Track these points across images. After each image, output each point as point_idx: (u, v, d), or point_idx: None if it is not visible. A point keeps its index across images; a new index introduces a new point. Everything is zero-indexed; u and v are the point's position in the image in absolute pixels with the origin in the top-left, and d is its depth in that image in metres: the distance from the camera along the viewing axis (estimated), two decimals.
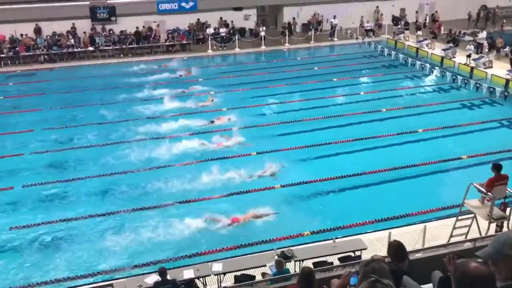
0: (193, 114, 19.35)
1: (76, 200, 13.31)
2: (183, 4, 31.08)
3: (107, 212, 12.55)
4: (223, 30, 30.90)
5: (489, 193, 9.96)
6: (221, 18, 31.55)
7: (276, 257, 9.12)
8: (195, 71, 25.40)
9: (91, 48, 28.33)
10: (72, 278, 10.23)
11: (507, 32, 32.85)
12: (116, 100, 21.17)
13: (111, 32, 29.54)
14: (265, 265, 9.27)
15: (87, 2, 29.27)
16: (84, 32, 28.85)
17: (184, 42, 29.83)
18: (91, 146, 16.66)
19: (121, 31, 29.39)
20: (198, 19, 31.42)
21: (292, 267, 9.42)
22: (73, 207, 12.90)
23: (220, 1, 31.37)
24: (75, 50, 28.21)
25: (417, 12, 34.14)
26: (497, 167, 10.16)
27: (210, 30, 30.69)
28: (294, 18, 32.56)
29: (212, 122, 18.42)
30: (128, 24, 29.55)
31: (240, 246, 10.98)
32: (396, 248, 5.29)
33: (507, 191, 10.16)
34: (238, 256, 10.11)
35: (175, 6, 30.88)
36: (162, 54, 29.17)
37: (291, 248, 9.82)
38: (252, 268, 9.38)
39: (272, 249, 9.77)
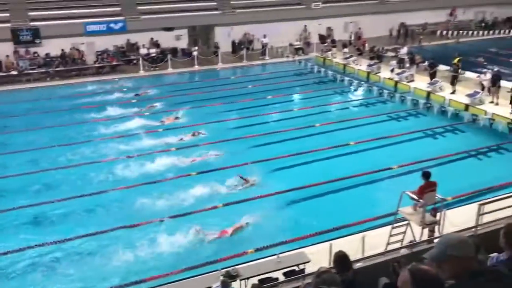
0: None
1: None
2: (112, 25, 30.53)
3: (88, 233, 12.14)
4: (153, 51, 30.59)
5: (420, 200, 10.49)
6: (151, 38, 31.26)
7: (222, 278, 9.01)
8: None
9: (14, 72, 26.95)
10: None
11: (424, 48, 35.21)
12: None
13: (36, 55, 28.31)
14: (210, 287, 9.13)
15: (8, 24, 27.92)
16: (7, 56, 27.43)
17: (114, 63, 29.19)
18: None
19: (46, 54, 28.25)
20: (128, 40, 30.94)
21: (237, 286, 9.35)
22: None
23: (150, 22, 31.14)
24: None
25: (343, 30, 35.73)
26: (426, 175, 10.73)
27: (143, 51, 30.29)
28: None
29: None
30: (54, 46, 28.48)
31: (185, 269, 10.74)
32: (341, 259, 5.42)
33: (437, 197, 10.75)
34: (182, 279, 9.89)
35: (103, 27, 30.25)
36: (91, 76, 28.33)
37: (236, 267, 9.76)
38: None
39: (217, 270, 9.65)
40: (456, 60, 24.44)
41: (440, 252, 2.92)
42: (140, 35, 30.93)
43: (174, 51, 31.67)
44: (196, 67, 30.26)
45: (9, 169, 16.20)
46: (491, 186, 14.32)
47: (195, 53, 30.55)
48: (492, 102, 20.73)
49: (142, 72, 29.08)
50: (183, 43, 32.57)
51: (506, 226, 4.32)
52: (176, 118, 20.92)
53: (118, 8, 31.12)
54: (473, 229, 8.81)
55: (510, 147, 17.61)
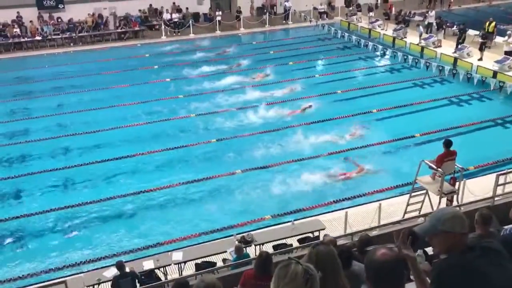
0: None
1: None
2: None
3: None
4: (176, 16, 30.35)
5: (439, 169, 10.33)
6: (174, 3, 30.95)
7: (236, 243, 9.18)
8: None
9: (39, 38, 27.22)
10: None
11: (454, 12, 33.92)
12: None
13: (59, 20, 28.46)
14: (225, 251, 9.32)
15: None
16: (31, 21, 27.66)
17: (137, 29, 29.13)
18: None
19: (69, 20, 28.35)
20: (151, 5, 30.72)
21: (252, 251, 9.51)
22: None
23: None
24: (22, 40, 27.02)
25: None
26: (447, 143, 10.52)
27: (166, 16, 30.08)
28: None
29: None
30: (77, 12, 28.52)
31: (201, 234, 10.98)
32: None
33: (456, 166, 10.57)
34: (199, 243, 10.12)
35: None
36: (114, 42, 28.38)
37: (251, 232, 9.90)
38: (212, 255, 9.41)
39: (232, 235, 9.83)
40: (489, 26, 23.49)
41: (432, 226, 2.88)
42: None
43: (196, 16, 31.34)
44: (218, 33, 29.94)
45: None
46: None
47: (218, 18, 30.16)
48: None
49: (164, 38, 28.95)
50: (205, 8, 32.15)
51: None
52: (266, 75, 22.02)
53: None
54: (489, 200, 8.65)
55: None
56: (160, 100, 19.11)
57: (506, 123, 16.66)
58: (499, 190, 9.85)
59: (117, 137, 16.04)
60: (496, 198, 8.79)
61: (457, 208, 2.72)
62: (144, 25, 29.90)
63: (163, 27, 29.10)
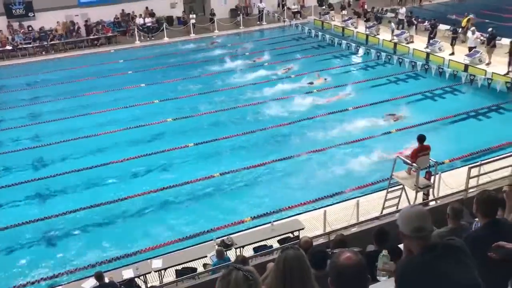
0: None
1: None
2: None
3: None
4: (149, 20, 30.14)
5: (414, 164, 10.48)
6: (146, 8, 30.73)
7: (217, 247, 9.16)
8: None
9: (9, 48, 26.70)
10: None
11: (425, 7, 34.49)
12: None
13: (30, 29, 27.98)
14: (205, 256, 9.29)
15: None
16: (0, 31, 27.12)
17: (110, 34, 28.83)
18: None
19: (40, 28, 27.89)
20: (123, 10, 30.45)
21: (233, 254, 9.50)
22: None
23: None
24: None
25: None
26: (420, 138, 10.68)
27: (138, 20, 29.83)
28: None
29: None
30: (47, 20, 28.07)
31: (181, 239, 10.92)
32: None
33: (430, 161, 10.74)
34: (178, 249, 10.07)
35: None
36: (87, 48, 28.02)
37: (231, 236, 9.90)
38: (193, 260, 9.37)
39: (212, 239, 9.80)
40: (465, 20, 23.92)
41: (399, 227, 2.92)
42: (134, 4, 30.40)
43: (169, 19, 31.18)
44: (193, 36, 29.83)
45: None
46: (490, 147, 14.28)
47: (192, 21, 30.05)
48: (488, 63, 20.37)
49: (138, 43, 28.72)
50: (178, 11, 32.01)
51: (479, 193, 4.30)
52: (289, 68, 22.94)
53: None
54: (463, 193, 8.81)
55: (509, 106, 17.46)
56: (136, 106, 18.95)
57: (478, 115, 17.00)
58: (473, 182, 10.05)
59: (93, 145, 15.85)
60: (469, 190, 8.93)
61: (420, 206, 2.73)
62: (117, 30, 29.61)
63: (136, 32, 28.86)
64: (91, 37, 28.43)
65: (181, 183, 13.21)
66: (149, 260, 9.38)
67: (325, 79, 20.86)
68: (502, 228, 4.12)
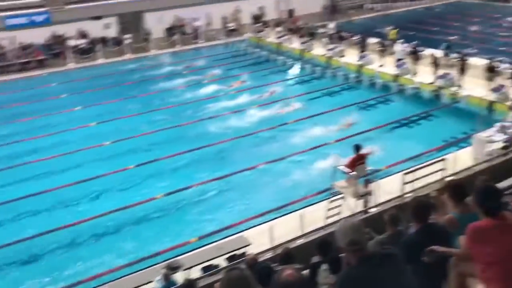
0: None
1: None
2: (34, 17, 28.95)
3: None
4: (82, 41, 29.37)
5: (352, 173, 10.84)
6: (79, 29, 29.96)
7: (163, 271, 8.96)
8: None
9: None
10: None
11: (354, 22, 36.00)
12: None
13: None
14: (151, 281, 9.06)
15: None
16: None
17: (41, 58, 27.80)
18: None
19: None
20: (54, 32, 29.51)
21: (180, 277, 9.34)
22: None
23: (76, 12, 29.80)
24: None
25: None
26: (357, 148, 11.10)
27: (71, 42, 28.98)
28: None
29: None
30: None
31: (124, 265, 10.61)
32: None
33: (367, 169, 11.16)
34: (123, 276, 9.77)
35: (26, 20, 28.65)
36: (16, 73, 26.81)
37: (177, 258, 9.72)
38: (138, 286, 9.11)
39: (158, 263, 9.59)
40: (392, 33, 25.22)
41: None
42: (66, 26, 29.54)
43: (103, 40, 30.56)
44: (127, 56, 29.37)
45: None
46: (422, 152, 15.00)
47: (128, 41, 29.61)
48: (414, 73, 21.52)
49: (71, 65, 27.88)
50: (112, 32, 31.45)
51: (411, 200, 4.54)
52: (242, 81, 23.34)
53: None
54: (399, 198, 9.20)
55: (437, 113, 18.50)
56: (72, 130, 18.35)
57: (409, 123, 17.85)
58: (409, 187, 10.52)
59: (26, 173, 15.13)
60: (405, 196, 9.35)
61: (354, 219, 2.83)
62: (48, 53, 28.61)
63: (69, 54, 28.01)
64: (21, 61, 27.27)
65: (122, 207, 12.87)
66: None
67: (272, 92, 21.44)
68: (434, 231, 4.37)
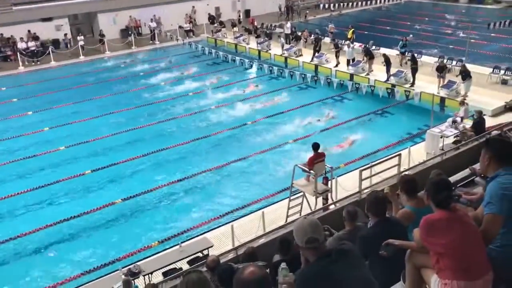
0: None
1: None
2: None
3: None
4: (32, 44, 28.37)
5: (311, 171, 10.98)
6: (29, 31, 28.93)
7: (123, 277, 8.78)
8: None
9: None
10: None
11: (310, 22, 36.47)
12: None
13: None
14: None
15: None
16: None
17: None
18: None
19: None
20: (1, 34, 28.38)
21: (141, 283, 9.19)
22: None
23: (25, 13, 28.74)
24: None
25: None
26: (315, 147, 11.24)
27: (21, 45, 27.91)
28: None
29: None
30: None
31: (84, 273, 10.33)
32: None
33: (326, 167, 11.33)
34: (80, 285, 9.51)
35: None
36: None
37: (138, 263, 9.55)
38: None
39: (118, 269, 9.38)
40: (350, 32, 25.68)
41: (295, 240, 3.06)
42: (14, 28, 28.43)
43: (56, 42, 29.63)
44: (82, 58, 28.60)
45: None
46: (378, 148, 15.37)
47: (81, 43, 28.82)
48: (367, 73, 22.02)
49: (22, 68, 26.89)
50: (64, 34, 30.54)
51: (368, 195, 4.64)
52: (219, 77, 24.12)
53: None
54: (357, 195, 9.38)
55: (391, 110, 19.01)
56: (24, 136, 17.70)
57: (366, 121, 18.24)
58: (367, 183, 10.73)
59: None
60: (363, 192, 9.52)
61: (311, 217, 2.84)
62: None
63: (19, 57, 26.99)
64: None
65: (79, 214, 12.51)
66: None
67: (244, 91, 21.81)
68: (391, 225, 4.48)
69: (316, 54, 24.84)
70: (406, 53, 22.63)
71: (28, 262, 10.95)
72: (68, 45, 29.55)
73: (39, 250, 11.38)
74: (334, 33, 28.36)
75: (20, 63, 27.00)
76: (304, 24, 34.14)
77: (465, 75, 18.19)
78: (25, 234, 11.80)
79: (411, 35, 24.84)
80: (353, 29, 26.49)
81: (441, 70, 19.19)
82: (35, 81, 24.83)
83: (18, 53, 27.15)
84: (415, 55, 21.52)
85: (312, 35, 27.54)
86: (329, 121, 17.92)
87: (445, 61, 21.34)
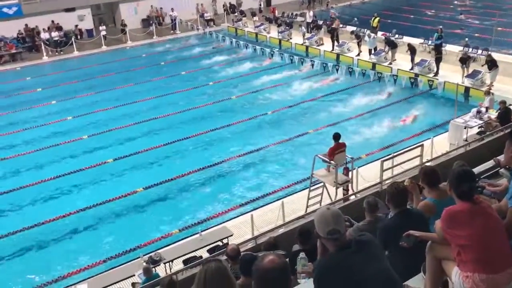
0: None
1: None
2: (5, 9, 28.19)
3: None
4: (56, 34, 28.77)
5: (332, 162, 10.91)
6: (52, 21, 29.34)
7: (144, 264, 8.91)
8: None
9: None
10: None
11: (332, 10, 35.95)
12: None
13: None
14: (133, 275, 9.01)
15: None
16: None
17: (14, 51, 27.15)
18: None
19: None
20: (26, 25, 28.83)
21: (162, 270, 9.31)
22: None
23: (48, 3, 29.12)
24: None
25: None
26: (335, 137, 11.14)
27: (44, 35, 28.34)
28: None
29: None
30: None
31: (106, 260, 10.51)
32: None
33: (347, 157, 11.24)
34: (104, 271, 9.68)
35: None
36: None
37: (159, 251, 9.68)
38: (120, 281, 9.04)
39: (139, 256, 9.53)
40: (375, 21, 25.27)
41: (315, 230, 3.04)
42: (39, 18, 28.86)
43: (78, 32, 29.98)
44: (104, 48, 28.89)
45: None
46: (401, 139, 15.17)
47: (103, 33, 29.10)
48: (390, 63, 21.64)
49: (46, 58, 27.32)
50: (87, 24, 30.89)
51: (389, 186, 4.58)
52: (270, 58, 25.07)
53: None
54: (378, 185, 9.28)
55: (413, 100, 18.70)
56: (48, 125, 18.03)
57: (388, 111, 17.97)
58: (388, 174, 10.63)
59: (6, 168, 14.94)
60: (384, 183, 9.43)
61: (334, 208, 2.81)
62: (21, 47, 27.96)
63: (43, 47, 27.42)
64: None
65: (102, 201, 12.71)
66: (73, 286, 8.93)
67: None
68: (411, 216, 4.42)
69: (339, 43, 24.55)
70: (442, 44, 21.79)
71: (50, 249, 11.19)
72: (78, 37, 29.69)
73: (62, 237, 11.60)
74: (335, 18, 27.49)
75: (44, 53, 27.41)
76: (326, 13, 33.70)
77: (491, 64, 17.73)
78: (48, 221, 12.05)
79: (440, 26, 24.24)
80: (378, 18, 25.83)
81: (464, 61, 18.73)
82: (59, 70, 25.19)
83: (42, 43, 27.57)
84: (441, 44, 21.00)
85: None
86: (350, 111, 17.74)
87: (469, 50, 20.85)
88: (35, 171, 14.70)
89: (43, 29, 28.72)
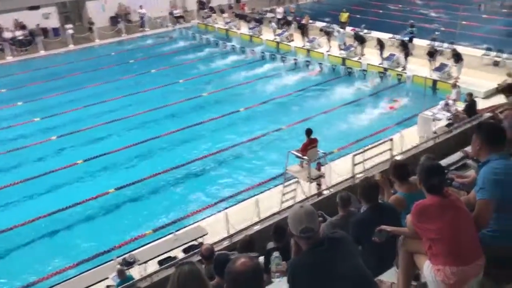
0: None
1: None
2: None
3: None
4: (20, 33, 27.93)
5: (304, 157, 10.97)
6: (16, 20, 28.46)
7: (118, 266, 8.79)
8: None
9: None
10: None
11: (302, 6, 36.18)
12: None
13: None
14: (107, 278, 8.87)
15: None
16: None
17: None
18: None
19: None
20: None
21: (137, 272, 9.19)
22: None
23: (11, 1, 28.20)
24: None
25: None
26: (308, 132, 11.21)
27: (7, 34, 27.47)
28: None
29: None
30: None
31: (77, 263, 10.31)
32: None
33: (319, 152, 11.32)
34: (76, 275, 9.50)
35: None
36: None
37: (133, 252, 9.55)
38: (94, 284, 8.88)
39: (112, 259, 9.38)
40: (344, 17, 25.45)
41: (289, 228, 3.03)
42: (1, 17, 27.91)
43: (44, 31, 29.19)
44: (72, 47, 28.24)
45: None
46: (372, 133, 15.36)
47: (70, 31, 28.41)
48: (359, 58, 21.89)
49: (10, 58, 26.53)
50: (53, 22, 30.09)
51: (361, 180, 4.63)
52: (252, 51, 24.84)
53: None
54: (350, 180, 9.38)
55: (382, 94, 18.96)
56: (13, 127, 17.53)
57: (359, 105, 18.19)
58: (360, 168, 10.75)
59: None
60: (356, 177, 9.54)
61: (307, 206, 2.80)
62: None
63: (7, 47, 26.57)
64: None
65: (73, 204, 12.45)
66: None
67: None
68: (383, 211, 4.48)
69: (309, 38, 24.69)
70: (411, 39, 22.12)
71: (17, 256, 10.91)
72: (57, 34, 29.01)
73: (30, 242, 11.33)
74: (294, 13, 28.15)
75: (8, 53, 26.61)
76: (296, 8, 33.76)
77: (457, 58, 18.15)
78: (16, 226, 11.73)
79: (411, 21, 24.54)
80: (348, 14, 26.05)
81: (432, 55, 19.13)
82: (24, 70, 24.51)
83: (5, 42, 26.74)
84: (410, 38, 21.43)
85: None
86: (320, 107, 17.86)
87: (436, 43, 21.27)
88: (1, 174, 14.28)
89: (6, 28, 27.84)
